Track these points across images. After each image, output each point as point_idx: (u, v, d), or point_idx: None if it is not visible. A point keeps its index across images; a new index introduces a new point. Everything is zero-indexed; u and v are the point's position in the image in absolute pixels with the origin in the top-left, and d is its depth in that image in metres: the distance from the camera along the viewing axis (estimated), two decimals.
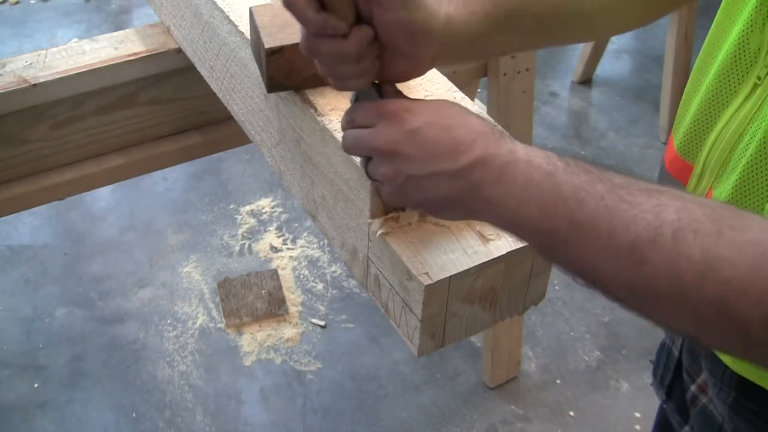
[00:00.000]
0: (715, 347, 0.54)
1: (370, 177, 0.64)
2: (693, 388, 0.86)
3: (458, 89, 0.84)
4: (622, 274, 0.53)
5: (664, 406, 0.97)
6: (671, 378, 0.93)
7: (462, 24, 0.64)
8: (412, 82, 0.85)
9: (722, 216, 0.52)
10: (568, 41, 0.80)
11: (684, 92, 0.83)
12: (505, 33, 0.68)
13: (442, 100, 0.65)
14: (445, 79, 0.86)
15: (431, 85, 0.84)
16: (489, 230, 0.74)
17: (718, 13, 0.78)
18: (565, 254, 0.56)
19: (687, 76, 3.13)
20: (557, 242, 0.55)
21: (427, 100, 0.64)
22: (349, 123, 0.65)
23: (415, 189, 0.60)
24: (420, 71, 0.68)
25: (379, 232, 0.73)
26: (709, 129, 0.76)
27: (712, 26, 0.78)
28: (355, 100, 0.68)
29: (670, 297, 0.52)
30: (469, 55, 0.71)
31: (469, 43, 0.66)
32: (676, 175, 0.83)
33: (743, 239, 0.51)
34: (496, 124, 0.62)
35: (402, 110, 0.61)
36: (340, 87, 0.66)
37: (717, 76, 0.75)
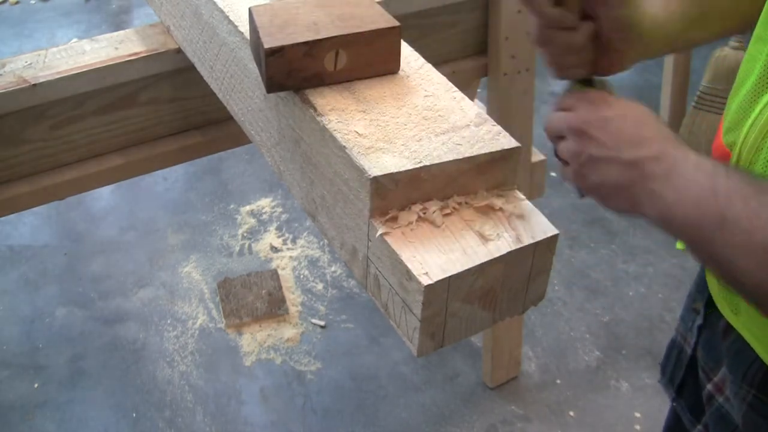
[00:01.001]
0: None
1: (557, 156, 0.72)
2: (709, 386, 0.86)
3: (458, 89, 0.84)
4: (758, 272, 0.57)
5: (674, 404, 0.96)
6: (682, 376, 0.93)
7: (662, 24, 0.71)
8: (411, 83, 0.85)
9: None
10: (725, 35, 0.88)
11: (735, 80, 0.83)
12: (695, 30, 0.75)
13: (638, 104, 0.71)
14: (444, 79, 0.86)
15: (431, 85, 0.84)
16: (489, 230, 0.74)
17: None
18: (710, 250, 0.60)
19: (687, 76, 3.12)
20: (704, 238, 0.60)
21: (625, 100, 0.71)
22: (556, 106, 0.73)
23: (593, 170, 0.66)
24: (621, 67, 0.76)
25: (380, 232, 0.73)
26: (749, 115, 0.77)
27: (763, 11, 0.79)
28: (569, 89, 0.77)
29: None
30: (660, 52, 0.78)
31: (665, 42, 0.73)
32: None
33: None
34: (678, 135, 0.69)
35: (601, 100, 0.69)
36: (562, 74, 0.75)
37: (764, 63, 0.76)
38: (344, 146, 0.75)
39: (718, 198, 0.59)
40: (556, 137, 0.73)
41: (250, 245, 2.34)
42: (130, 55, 1.21)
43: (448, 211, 0.76)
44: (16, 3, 3.62)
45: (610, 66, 0.75)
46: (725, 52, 2.54)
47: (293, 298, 2.17)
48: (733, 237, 0.57)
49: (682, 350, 0.93)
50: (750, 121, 0.75)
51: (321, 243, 2.34)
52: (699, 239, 0.60)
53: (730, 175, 0.60)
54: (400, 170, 0.72)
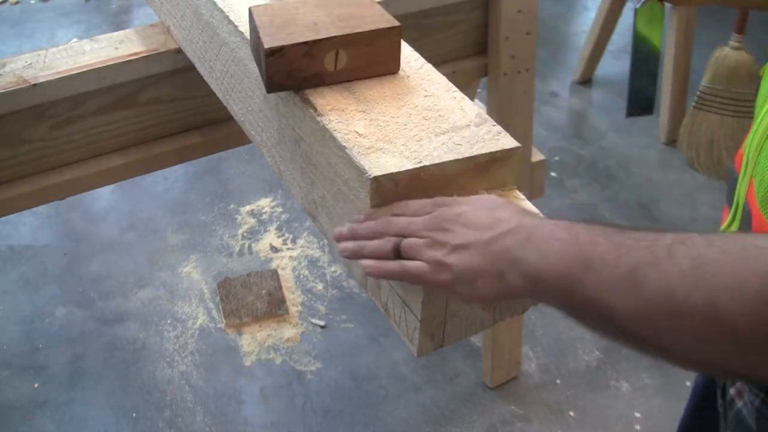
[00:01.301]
0: (717, 364, 0.56)
1: (404, 256, 0.68)
2: (732, 391, 0.86)
3: (458, 89, 0.84)
4: (625, 302, 0.56)
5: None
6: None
7: None
8: (411, 82, 0.85)
9: (715, 235, 0.55)
10: None
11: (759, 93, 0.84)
12: None
13: (489, 196, 0.72)
14: (444, 79, 0.86)
15: (431, 85, 0.84)
16: None
17: None
18: (582, 296, 0.59)
19: (687, 76, 3.11)
20: (574, 286, 0.59)
21: (477, 195, 0.72)
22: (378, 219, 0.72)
23: (455, 260, 0.65)
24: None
25: None
26: (758, 117, 0.77)
27: None
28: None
29: (667, 315, 0.54)
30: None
31: None
32: (737, 168, 0.84)
33: (729, 243, 0.53)
34: (538, 212, 0.69)
35: (451, 200, 0.70)
36: None
37: None
38: (344, 146, 0.75)
39: (581, 244, 0.59)
40: (395, 241, 0.70)
41: (250, 245, 2.34)
42: (130, 55, 1.21)
43: None
44: (16, 3, 3.62)
45: None
46: (725, 52, 2.54)
47: (293, 298, 2.17)
48: (599, 274, 0.57)
49: None
50: (758, 121, 0.75)
51: (321, 243, 2.34)
52: (569, 289, 0.59)
53: (591, 225, 0.61)
54: (400, 170, 0.72)
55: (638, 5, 0.80)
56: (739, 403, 0.85)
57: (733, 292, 0.51)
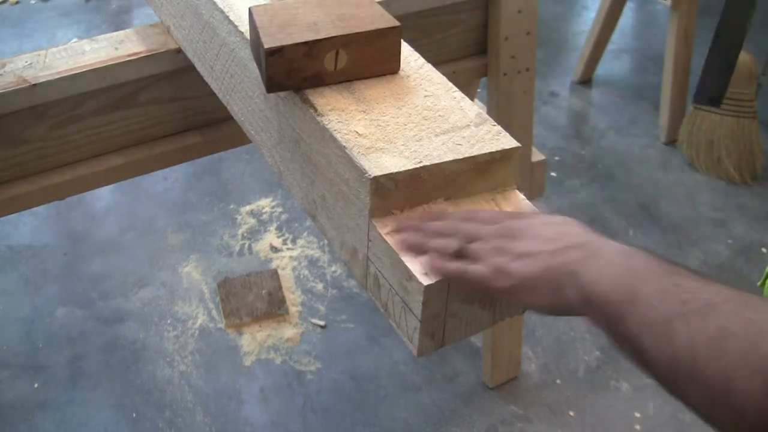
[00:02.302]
0: (726, 431, 0.58)
1: (466, 257, 0.70)
2: None
3: (458, 89, 0.84)
4: (656, 348, 0.58)
5: None
6: None
7: None
8: (411, 83, 0.85)
9: (750, 299, 0.57)
10: None
11: None
12: None
13: (560, 215, 0.74)
14: (444, 79, 0.86)
15: (431, 85, 0.84)
16: None
17: None
18: (623, 328, 0.61)
19: (687, 76, 3.12)
20: (618, 316, 0.61)
21: (545, 214, 0.74)
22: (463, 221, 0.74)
23: (518, 266, 0.66)
24: None
25: (385, 230, 0.73)
26: None
27: None
28: None
29: (687, 374, 0.56)
30: None
31: None
32: None
33: (754, 317, 0.55)
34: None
35: (526, 214, 0.73)
36: None
37: None
38: (344, 146, 0.75)
39: (632, 277, 0.61)
40: (452, 251, 0.71)
41: (250, 245, 2.34)
42: (130, 55, 1.21)
43: None
44: (16, 3, 3.62)
45: None
46: None
47: (293, 298, 2.17)
48: (641, 314, 0.59)
49: None
50: None
51: (321, 243, 2.34)
52: (613, 317, 0.61)
53: (649, 257, 0.62)
54: (400, 170, 0.72)
55: None
56: None
57: (745, 375, 0.52)
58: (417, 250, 0.71)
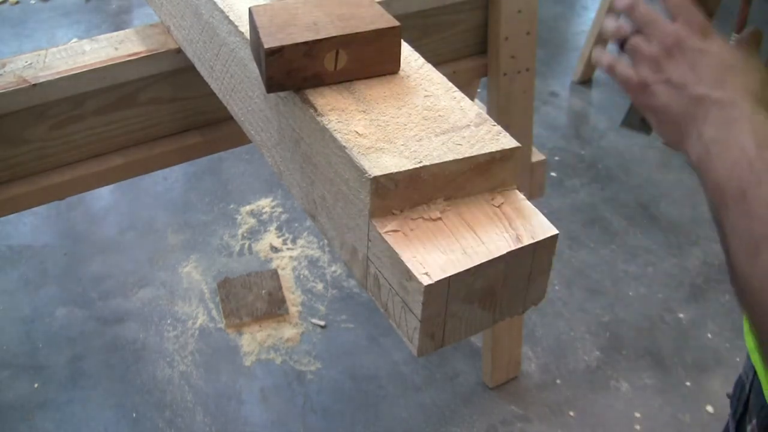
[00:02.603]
0: None
1: (621, 49, 0.69)
2: (749, 428, 0.86)
3: (458, 89, 0.84)
4: (744, 259, 0.57)
5: None
6: (741, 413, 0.92)
7: None
8: (411, 82, 0.85)
9: None
10: None
11: None
12: None
13: (741, 50, 0.68)
14: (444, 79, 0.86)
15: (431, 85, 0.84)
16: (489, 230, 0.74)
17: None
18: (722, 217, 0.59)
19: None
20: (722, 203, 0.59)
21: (728, 43, 0.68)
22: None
23: (663, 92, 0.65)
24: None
25: (386, 230, 0.73)
26: None
27: None
28: None
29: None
30: None
31: None
32: None
33: None
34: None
35: (710, 31, 0.66)
36: None
37: None
38: (344, 146, 0.75)
39: (751, 172, 0.58)
40: (632, 30, 0.69)
41: (250, 245, 2.34)
42: (130, 55, 1.21)
43: (448, 210, 0.76)
44: (16, 3, 3.62)
45: None
46: None
47: (293, 298, 2.17)
48: (740, 215, 0.57)
49: (743, 387, 0.92)
50: None
51: (321, 243, 2.34)
52: (719, 201, 0.59)
53: None
54: (400, 170, 0.72)
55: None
56: (748, 428, 0.85)
57: None
58: (614, 35, 0.71)
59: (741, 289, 0.58)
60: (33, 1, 3.65)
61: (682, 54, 0.65)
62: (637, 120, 0.78)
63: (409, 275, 0.70)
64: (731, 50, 0.66)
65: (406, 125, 0.78)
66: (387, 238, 0.73)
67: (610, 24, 0.71)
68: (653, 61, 0.66)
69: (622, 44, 0.69)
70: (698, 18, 0.67)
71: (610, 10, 0.75)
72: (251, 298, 2.14)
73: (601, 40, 2.98)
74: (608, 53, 0.70)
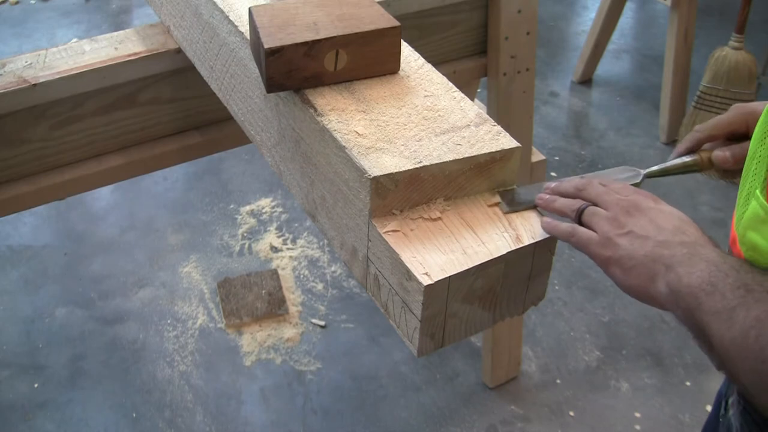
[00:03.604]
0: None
1: (579, 221, 0.74)
2: (731, 400, 0.87)
3: (458, 89, 0.84)
4: (725, 335, 0.60)
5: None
6: (727, 386, 0.94)
7: None
8: (412, 83, 0.85)
9: None
10: None
11: None
12: None
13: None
14: (444, 79, 0.86)
15: (431, 85, 0.84)
16: (489, 230, 0.74)
17: None
18: (697, 315, 0.63)
19: (687, 76, 3.11)
20: (695, 305, 0.63)
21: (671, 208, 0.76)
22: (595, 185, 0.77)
23: (626, 243, 0.69)
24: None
25: (386, 230, 0.73)
26: None
27: None
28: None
29: (740, 351, 0.59)
30: None
31: None
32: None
33: None
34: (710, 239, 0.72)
35: (656, 199, 0.74)
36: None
37: None
38: (344, 146, 0.75)
39: (718, 272, 0.63)
40: (576, 209, 0.75)
41: (250, 245, 2.34)
42: (130, 55, 1.21)
43: (448, 210, 0.76)
44: (16, 3, 3.62)
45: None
46: (725, 52, 2.54)
47: (293, 298, 2.17)
48: (715, 304, 0.61)
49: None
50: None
51: (321, 243, 2.34)
52: (692, 306, 0.63)
53: (736, 260, 0.64)
54: (400, 170, 0.72)
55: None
56: (731, 411, 0.86)
57: None
58: (548, 206, 0.77)
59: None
60: (33, 1, 3.65)
61: (640, 212, 0.71)
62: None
63: (409, 275, 0.70)
64: (676, 211, 0.73)
65: (406, 125, 0.78)
66: (387, 238, 0.73)
67: (560, 203, 0.77)
68: (614, 220, 0.71)
69: (579, 216, 0.74)
70: (640, 190, 0.75)
71: (554, 191, 0.82)
72: (251, 298, 2.14)
73: (601, 42, 2.98)
74: (561, 222, 0.74)
